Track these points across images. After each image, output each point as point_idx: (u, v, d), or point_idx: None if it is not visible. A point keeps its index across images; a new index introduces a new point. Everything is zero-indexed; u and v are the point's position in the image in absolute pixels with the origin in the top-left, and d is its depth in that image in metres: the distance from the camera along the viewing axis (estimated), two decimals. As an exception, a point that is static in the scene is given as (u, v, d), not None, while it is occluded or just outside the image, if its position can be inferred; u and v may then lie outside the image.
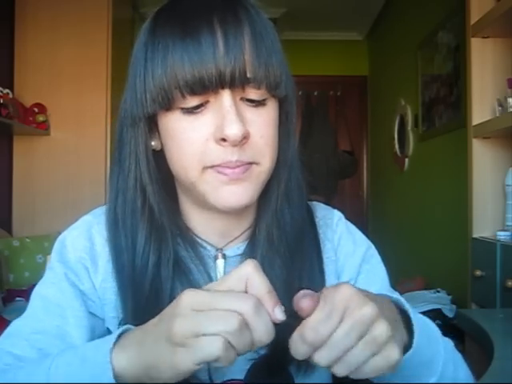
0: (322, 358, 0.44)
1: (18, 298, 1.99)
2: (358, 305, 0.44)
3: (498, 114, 1.75)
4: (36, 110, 2.61)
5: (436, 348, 0.58)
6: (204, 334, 0.42)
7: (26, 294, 1.95)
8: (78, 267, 0.66)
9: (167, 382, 0.46)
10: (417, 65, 3.06)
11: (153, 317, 0.48)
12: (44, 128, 2.65)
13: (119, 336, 0.49)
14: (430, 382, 0.57)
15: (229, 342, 0.42)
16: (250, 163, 0.59)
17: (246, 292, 0.45)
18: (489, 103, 1.83)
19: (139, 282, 0.62)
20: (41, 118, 2.61)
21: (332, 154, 4.50)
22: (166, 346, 0.44)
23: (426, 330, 0.57)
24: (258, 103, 0.59)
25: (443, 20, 2.61)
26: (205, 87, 0.55)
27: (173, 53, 0.56)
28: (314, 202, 0.77)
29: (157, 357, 0.45)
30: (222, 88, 0.56)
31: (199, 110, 0.58)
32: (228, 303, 0.43)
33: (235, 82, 0.56)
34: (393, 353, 0.45)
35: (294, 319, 0.45)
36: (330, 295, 0.45)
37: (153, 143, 0.63)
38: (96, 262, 0.67)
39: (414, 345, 0.52)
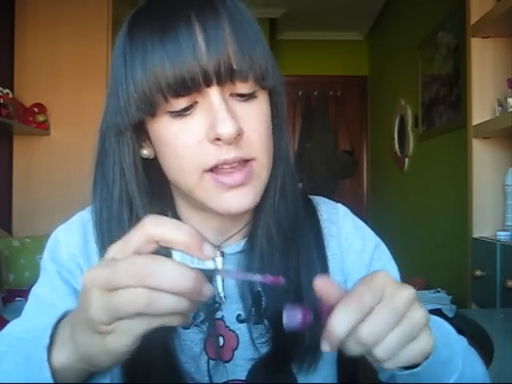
0: (367, 331, 0.42)
1: (18, 298, 1.99)
2: (396, 288, 0.44)
3: (497, 114, 1.75)
4: (36, 109, 2.61)
5: (453, 347, 0.57)
6: (121, 318, 0.39)
7: (25, 294, 1.94)
8: (71, 265, 0.66)
9: (112, 366, 0.44)
10: (417, 65, 3.06)
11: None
12: (44, 128, 2.65)
13: (56, 327, 0.47)
14: (451, 380, 0.55)
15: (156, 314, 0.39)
16: (248, 160, 0.57)
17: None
18: (489, 103, 1.83)
19: None
20: (41, 118, 2.61)
21: (332, 154, 4.50)
22: (94, 337, 0.41)
23: (443, 330, 0.57)
24: (249, 96, 0.57)
25: (443, 20, 2.61)
26: (188, 87, 0.53)
27: (152, 54, 0.53)
28: (317, 197, 0.76)
29: (91, 348, 0.42)
30: (208, 86, 0.54)
31: (188, 111, 0.55)
32: (123, 278, 0.38)
33: (221, 76, 0.54)
34: (427, 341, 0.45)
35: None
36: (368, 278, 0.45)
37: (145, 152, 0.61)
38: (90, 258, 0.66)
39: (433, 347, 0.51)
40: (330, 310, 0.43)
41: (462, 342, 0.61)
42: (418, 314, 0.44)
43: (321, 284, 0.45)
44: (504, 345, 1.09)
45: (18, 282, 2.26)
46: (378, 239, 0.76)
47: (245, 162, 0.57)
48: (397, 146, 3.54)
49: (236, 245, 0.68)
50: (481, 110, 1.84)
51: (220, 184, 0.56)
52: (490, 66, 1.84)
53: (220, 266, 0.66)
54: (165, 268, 0.38)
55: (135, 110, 0.56)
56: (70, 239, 0.67)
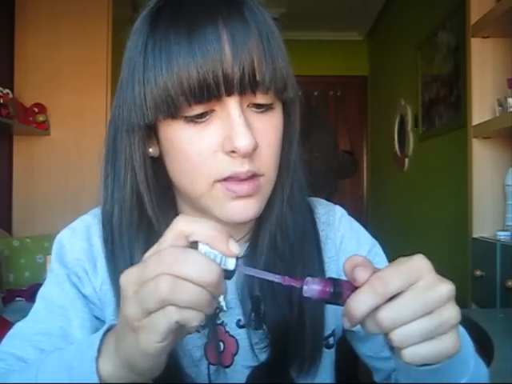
0: (386, 315, 0.41)
1: (17, 298, 1.99)
2: (434, 280, 0.42)
3: (497, 114, 1.75)
4: (36, 109, 2.61)
5: (468, 345, 0.57)
6: (149, 311, 0.40)
7: (26, 294, 1.95)
8: (78, 270, 0.65)
9: (152, 372, 0.45)
10: (417, 65, 3.06)
11: None
12: (44, 128, 2.65)
13: (104, 337, 0.47)
14: (463, 380, 0.54)
15: (177, 305, 0.39)
16: (258, 175, 0.57)
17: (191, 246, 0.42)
18: (489, 103, 1.83)
19: None
20: (41, 118, 2.61)
21: (332, 154, 4.50)
22: (130, 336, 0.42)
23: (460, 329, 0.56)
24: (267, 107, 0.58)
25: (443, 20, 2.61)
26: (211, 94, 0.53)
27: (178, 57, 0.53)
28: (315, 199, 0.76)
29: (128, 349, 0.43)
30: (229, 95, 0.54)
31: (204, 119, 0.55)
32: (151, 269, 0.40)
33: (244, 86, 0.54)
34: (452, 343, 0.42)
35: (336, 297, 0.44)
36: (404, 260, 0.43)
37: (150, 150, 0.61)
38: (95, 263, 0.66)
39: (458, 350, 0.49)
40: (355, 288, 0.43)
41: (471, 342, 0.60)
42: (451, 312, 0.42)
43: (349, 267, 0.44)
44: (504, 345, 1.08)
45: (18, 282, 2.26)
46: (373, 241, 0.76)
47: (255, 176, 0.57)
48: (397, 146, 3.54)
49: None
50: (481, 110, 1.84)
51: (229, 192, 0.57)
52: (490, 66, 1.84)
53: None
54: (192, 258, 0.40)
55: (153, 110, 0.55)
56: (74, 244, 0.67)
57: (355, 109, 4.74)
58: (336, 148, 4.57)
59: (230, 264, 0.43)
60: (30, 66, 2.70)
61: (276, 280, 0.45)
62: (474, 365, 0.55)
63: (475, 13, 1.82)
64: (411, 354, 0.42)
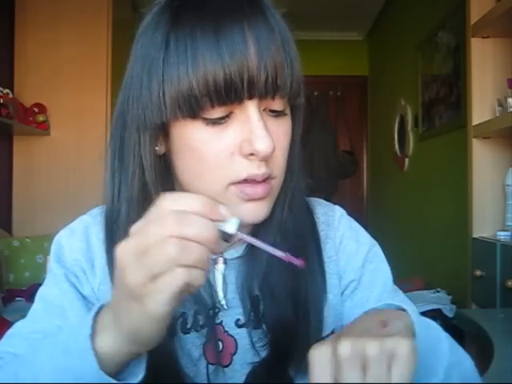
0: None
1: (17, 298, 1.99)
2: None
3: (497, 114, 1.75)
4: (36, 109, 2.62)
5: (436, 331, 0.55)
6: (155, 275, 0.41)
7: (26, 294, 1.95)
8: (76, 270, 0.65)
9: (154, 340, 0.46)
10: (417, 65, 3.06)
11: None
12: (44, 128, 2.65)
13: (97, 315, 0.48)
14: (442, 369, 0.53)
15: (183, 266, 0.41)
16: (271, 178, 0.58)
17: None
18: (489, 103, 1.83)
19: None
20: (41, 118, 2.61)
21: (332, 154, 4.50)
22: (134, 306, 0.43)
23: (423, 320, 0.55)
24: (279, 113, 0.58)
25: (443, 20, 2.61)
26: (235, 96, 0.53)
27: (204, 56, 0.52)
28: (314, 199, 0.76)
29: (134, 319, 0.44)
30: (250, 98, 0.54)
31: (223, 120, 0.55)
32: (154, 235, 0.41)
33: (267, 90, 0.54)
34: (400, 346, 0.42)
35: None
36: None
37: (157, 148, 0.60)
38: (93, 263, 0.66)
39: (417, 331, 0.49)
40: None
41: (446, 334, 0.58)
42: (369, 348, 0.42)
43: None
44: (504, 345, 1.09)
45: (18, 282, 2.26)
46: (372, 241, 0.76)
47: (269, 179, 0.58)
48: (397, 146, 3.54)
49: (235, 250, 0.67)
50: (481, 110, 1.84)
51: (243, 194, 0.57)
52: (490, 66, 1.84)
53: (221, 273, 0.65)
54: (192, 219, 0.42)
55: (172, 108, 0.55)
56: (72, 244, 0.67)
57: (355, 109, 4.74)
58: (336, 148, 4.57)
59: (230, 228, 0.45)
60: (30, 66, 2.70)
61: (278, 254, 0.47)
62: (448, 351, 0.53)
63: (475, 13, 1.82)
64: None
